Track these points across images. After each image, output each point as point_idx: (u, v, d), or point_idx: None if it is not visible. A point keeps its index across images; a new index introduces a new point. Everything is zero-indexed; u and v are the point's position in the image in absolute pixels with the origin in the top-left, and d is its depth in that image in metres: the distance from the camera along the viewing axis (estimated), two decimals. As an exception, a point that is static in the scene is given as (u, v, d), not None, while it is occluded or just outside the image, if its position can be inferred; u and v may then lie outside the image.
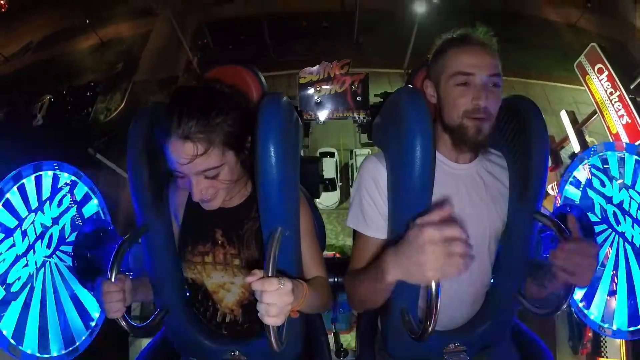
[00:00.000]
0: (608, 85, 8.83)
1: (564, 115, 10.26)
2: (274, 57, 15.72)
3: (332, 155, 11.96)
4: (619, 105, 8.57)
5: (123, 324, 0.90)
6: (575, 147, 9.70)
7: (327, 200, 11.08)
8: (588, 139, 9.75)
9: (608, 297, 1.34)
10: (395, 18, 15.80)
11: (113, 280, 0.85)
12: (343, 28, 16.76)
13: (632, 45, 13.75)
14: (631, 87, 8.52)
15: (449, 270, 0.68)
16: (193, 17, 16.96)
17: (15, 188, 1.13)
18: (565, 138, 10.40)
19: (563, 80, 13.86)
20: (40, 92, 14.26)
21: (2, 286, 1.08)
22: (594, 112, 9.44)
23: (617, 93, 8.64)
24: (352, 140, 11.98)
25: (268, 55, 15.72)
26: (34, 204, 1.18)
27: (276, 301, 0.71)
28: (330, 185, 11.19)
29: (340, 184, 11.80)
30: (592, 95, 9.36)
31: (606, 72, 8.90)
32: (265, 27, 15.99)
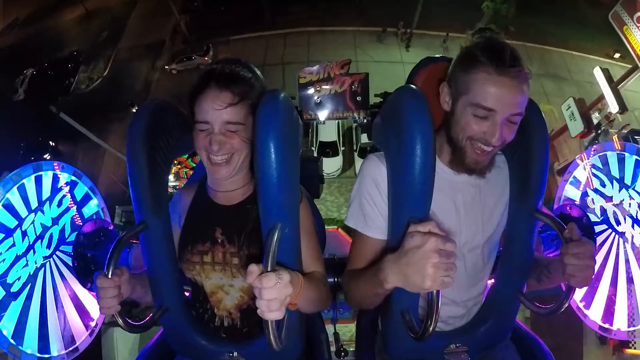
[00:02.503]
0: (651, 34, 7.53)
1: (598, 73, 9.09)
2: (270, 19, 15.29)
3: None
4: (665, 56, 7.32)
5: (119, 321, 0.89)
6: (613, 107, 8.53)
7: (327, 167, 9.18)
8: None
9: (608, 297, 1.34)
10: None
11: (110, 275, 0.85)
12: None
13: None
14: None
15: (447, 281, 0.70)
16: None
17: (15, 188, 1.14)
18: (597, 101, 9.15)
19: (582, 50, 13.60)
20: (25, 66, 14.07)
21: (2, 286, 1.08)
22: (634, 68, 8.39)
23: (662, 42, 7.43)
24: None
25: (263, 17, 15.29)
26: (34, 204, 1.19)
27: (276, 295, 0.71)
28: (331, 150, 9.58)
29: (343, 148, 10.14)
30: (632, 47, 8.24)
31: (648, 20, 7.65)
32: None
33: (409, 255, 0.72)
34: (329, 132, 9.84)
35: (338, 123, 10.12)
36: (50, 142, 11.26)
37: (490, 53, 0.84)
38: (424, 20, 14.04)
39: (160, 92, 13.33)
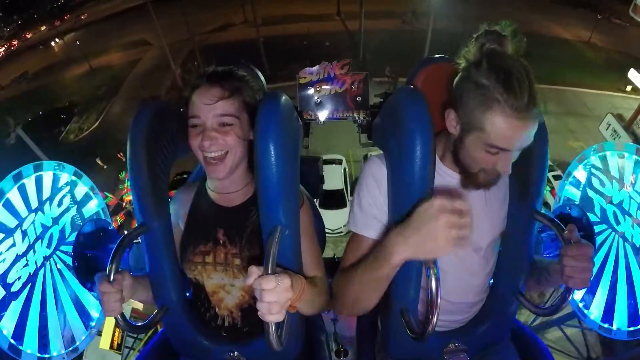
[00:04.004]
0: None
1: (633, 75, 8.72)
2: (269, 76, 15.87)
3: (338, 162, 9.05)
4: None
5: (121, 322, 0.90)
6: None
7: (332, 221, 7.27)
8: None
9: (608, 297, 1.34)
10: (403, 35, 15.80)
11: (111, 278, 0.85)
12: (347, 46, 16.65)
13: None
14: None
15: (463, 236, 0.68)
16: (188, 44, 17.34)
17: (15, 188, 1.14)
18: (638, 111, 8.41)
19: (593, 87, 14.01)
20: (26, 114, 15.23)
21: (2, 286, 1.08)
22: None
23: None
24: (363, 150, 9.37)
25: (263, 74, 15.89)
26: (34, 204, 1.19)
27: (277, 299, 0.71)
28: (335, 201, 7.84)
29: (352, 198, 9.07)
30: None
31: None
32: (262, 48, 15.81)
33: (418, 220, 0.70)
34: (333, 179, 8.30)
35: (344, 169, 8.99)
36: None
37: (508, 92, 0.78)
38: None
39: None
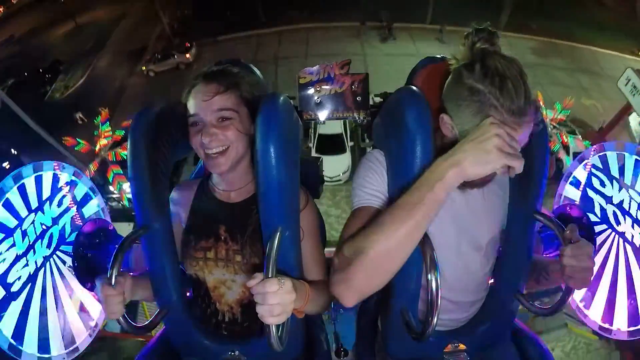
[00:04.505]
0: None
1: None
2: (263, 22, 15.43)
3: None
4: None
5: (123, 323, 0.90)
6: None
7: (330, 168, 6.76)
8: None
9: (608, 297, 1.34)
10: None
11: (113, 281, 0.86)
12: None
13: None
14: None
15: (512, 157, 0.71)
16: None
17: (15, 188, 1.14)
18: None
19: (610, 48, 13.98)
20: (8, 78, 14.91)
21: (2, 286, 1.08)
22: None
23: None
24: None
25: (256, 21, 15.45)
26: (34, 204, 1.19)
27: (279, 301, 0.72)
28: (334, 145, 7.20)
29: (352, 143, 7.78)
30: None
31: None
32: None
33: (471, 135, 0.74)
34: (332, 125, 7.59)
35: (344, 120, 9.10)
36: (13, 150, 10.82)
37: (504, 96, 0.76)
38: (438, 16, 14.26)
39: (133, 97, 13.41)
